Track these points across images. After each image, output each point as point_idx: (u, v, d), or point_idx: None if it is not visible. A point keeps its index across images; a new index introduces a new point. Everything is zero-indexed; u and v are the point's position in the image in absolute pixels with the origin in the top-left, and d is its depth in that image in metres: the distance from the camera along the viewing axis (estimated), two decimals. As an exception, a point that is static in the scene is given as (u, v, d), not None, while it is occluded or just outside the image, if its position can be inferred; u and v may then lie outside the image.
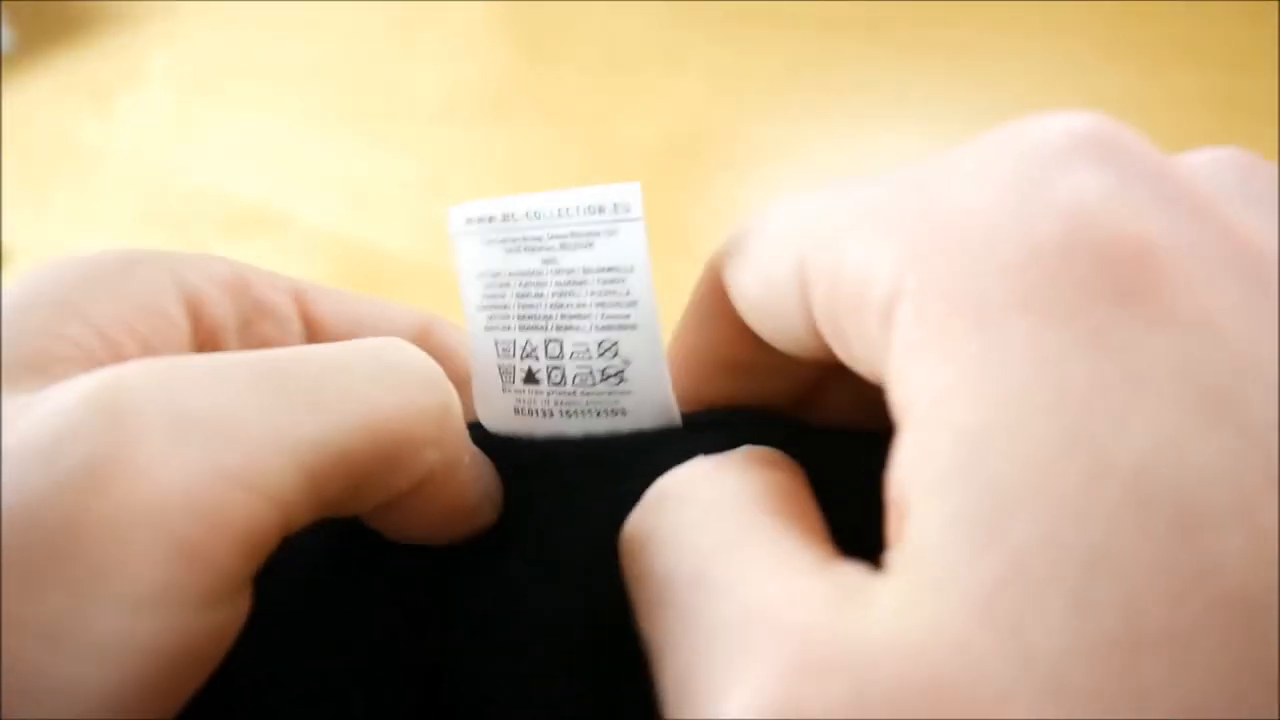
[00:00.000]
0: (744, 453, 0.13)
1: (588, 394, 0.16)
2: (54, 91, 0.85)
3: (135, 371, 0.10)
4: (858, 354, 0.11)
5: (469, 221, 0.16)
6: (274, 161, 0.76)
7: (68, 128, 0.81)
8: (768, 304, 0.13)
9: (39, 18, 0.91)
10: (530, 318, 0.16)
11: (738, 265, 0.13)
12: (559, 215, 0.15)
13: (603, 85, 0.80)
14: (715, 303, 0.14)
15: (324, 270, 0.70)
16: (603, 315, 0.15)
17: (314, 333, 0.16)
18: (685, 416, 0.15)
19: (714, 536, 0.11)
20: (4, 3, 0.89)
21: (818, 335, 0.12)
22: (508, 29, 0.87)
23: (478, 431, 0.15)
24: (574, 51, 0.83)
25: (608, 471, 0.15)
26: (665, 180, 0.73)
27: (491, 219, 0.16)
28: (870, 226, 0.11)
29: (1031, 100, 0.74)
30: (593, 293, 0.15)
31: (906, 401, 0.10)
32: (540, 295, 0.16)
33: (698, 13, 0.84)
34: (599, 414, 0.16)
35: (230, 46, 0.87)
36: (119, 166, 0.78)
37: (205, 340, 0.14)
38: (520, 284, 0.16)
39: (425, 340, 0.17)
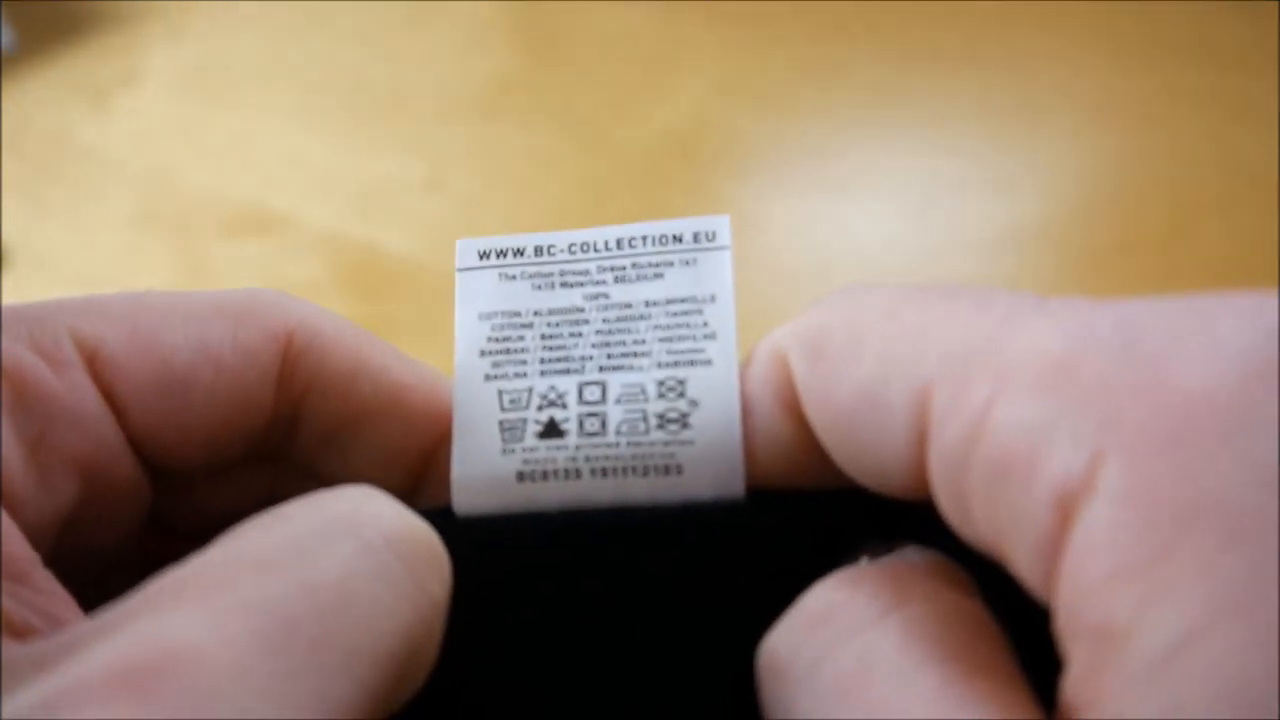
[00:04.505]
0: (919, 563, 0.11)
1: (635, 445, 0.13)
2: (54, 91, 0.85)
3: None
4: (980, 523, 0.10)
5: (483, 255, 0.14)
6: (274, 161, 0.76)
7: (67, 128, 0.81)
8: (860, 426, 0.11)
9: (39, 18, 0.91)
10: (560, 360, 0.14)
11: (821, 368, 0.11)
12: (617, 247, 0.14)
13: (603, 85, 0.80)
14: (771, 398, 0.12)
15: (324, 270, 0.70)
16: (668, 351, 0.13)
17: (119, 410, 0.13)
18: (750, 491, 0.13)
19: (898, 701, 0.09)
20: (4, 3, 0.89)
21: (918, 478, 0.10)
22: (508, 29, 0.87)
23: (442, 521, 0.11)
24: (574, 51, 0.83)
25: (660, 558, 0.12)
26: (665, 180, 0.73)
27: (517, 252, 0.14)
28: (1052, 382, 0.09)
29: (1033, 101, 0.74)
30: (656, 326, 0.13)
31: (1104, 630, 0.08)
32: (578, 335, 0.14)
33: (698, 13, 0.84)
34: (645, 471, 0.13)
35: (229, 46, 0.87)
36: (118, 167, 0.78)
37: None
38: (549, 324, 0.14)
39: (291, 359, 0.14)
